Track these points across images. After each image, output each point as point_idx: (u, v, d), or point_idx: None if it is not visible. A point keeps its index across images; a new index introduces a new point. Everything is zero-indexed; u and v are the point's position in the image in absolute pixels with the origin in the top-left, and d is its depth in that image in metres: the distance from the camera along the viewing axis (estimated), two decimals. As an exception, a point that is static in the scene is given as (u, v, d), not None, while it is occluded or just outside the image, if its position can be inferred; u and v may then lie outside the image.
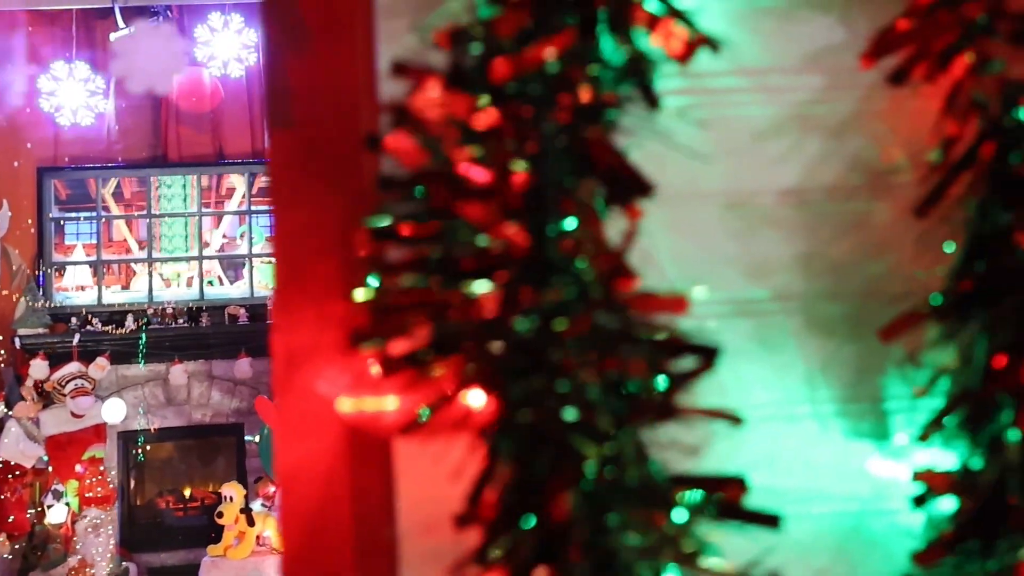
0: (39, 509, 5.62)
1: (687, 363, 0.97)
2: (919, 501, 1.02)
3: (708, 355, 0.95)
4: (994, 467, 0.97)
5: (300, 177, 1.12)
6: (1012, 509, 0.93)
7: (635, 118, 1.11)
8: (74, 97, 6.01)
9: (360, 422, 0.99)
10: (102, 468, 5.65)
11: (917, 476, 1.03)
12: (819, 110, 1.16)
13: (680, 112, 1.14)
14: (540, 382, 0.91)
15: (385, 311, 0.93)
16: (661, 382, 0.94)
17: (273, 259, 1.10)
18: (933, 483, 1.01)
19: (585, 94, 0.99)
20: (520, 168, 0.97)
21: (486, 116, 0.97)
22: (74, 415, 5.80)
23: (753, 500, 1.10)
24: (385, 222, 0.97)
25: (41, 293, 6.02)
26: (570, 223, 0.98)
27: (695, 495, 0.92)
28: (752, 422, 1.13)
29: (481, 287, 0.94)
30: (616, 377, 0.93)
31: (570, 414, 0.90)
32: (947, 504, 1.01)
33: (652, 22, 0.99)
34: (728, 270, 1.14)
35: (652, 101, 1.07)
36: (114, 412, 5.81)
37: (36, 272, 6.09)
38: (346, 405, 0.98)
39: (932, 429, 1.01)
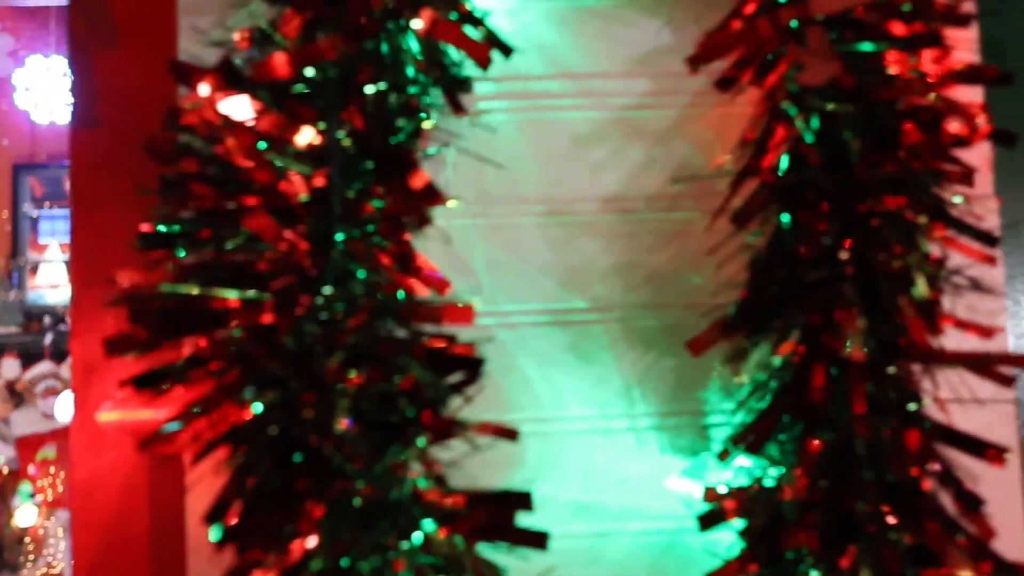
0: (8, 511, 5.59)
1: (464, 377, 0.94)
2: (706, 521, 0.98)
3: (473, 368, 0.92)
4: (780, 485, 0.93)
5: (103, 178, 1.09)
6: (789, 527, 0.90)
7: (455, 123, 1.08)
8: (51, 93, 5.98)
9: (131, 433, 0.96)
10: (52, 470, 5.61)
11: (707, 495, 0.99)
12: (644, 116, 1.12)
13: (499, 117, 1.10)
14: (300, 393, 0.87)
15: (147, 318, 0.90)
16: (429, 396, 0.90)
17: (70, 261, 1.07)
18: (722, 502, 0.97)
19: (378, 98, 0.96)
20: (302, 173, 0.93)
21: (267, 118, 0.94)
22: (46, 416, 5.78)
23: (562, 516, 1.07)
24: (159, 227, 0.94)
25: (14, 291, 5.99)
26: (355, 231, 0.95)
27: (450, 512, 0.88)
28: (567, 436, 1.10)
29: (250, 294, 0.90)
30: (386, 390, 0.90)
31: (327, 428, 0.86)
32: (737, 523, 0.97)
33: (437, 25, 0.95)
34: (545, 279, 1.10)
35: (456, 107, 1.04)
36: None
37: (10, 270, 6.06)
38: (107, 416, 0.95)
39: (732, 445, 0.97)
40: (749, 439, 0.93)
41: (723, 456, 0.97)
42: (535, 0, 1.11)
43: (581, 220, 1.11)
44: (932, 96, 0.95)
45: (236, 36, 0.99)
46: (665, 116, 1.11)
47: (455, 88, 1.06)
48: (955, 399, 0.99)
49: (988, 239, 0.96)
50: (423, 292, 1.01)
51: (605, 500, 1.09)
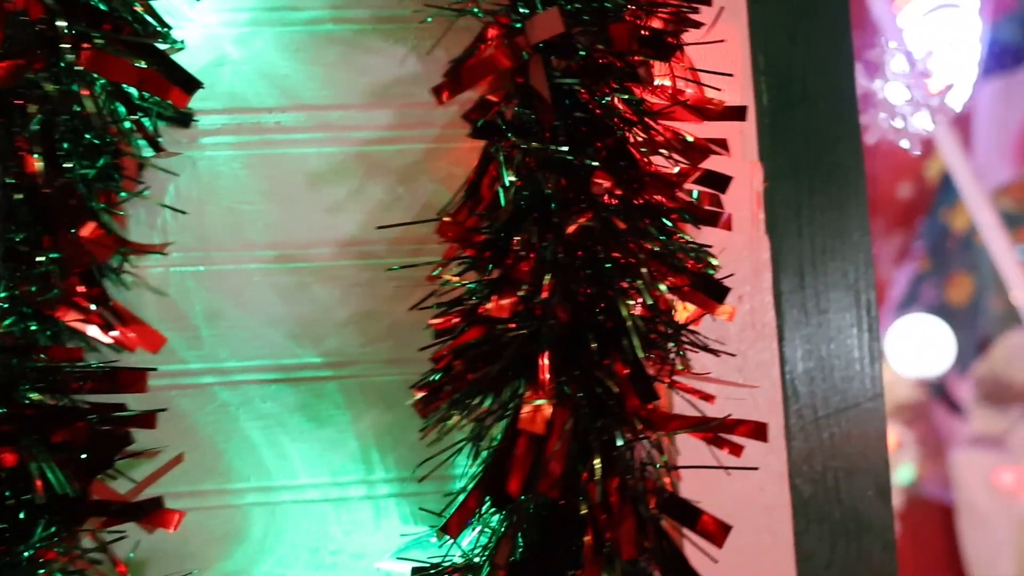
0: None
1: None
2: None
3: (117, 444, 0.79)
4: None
5: None
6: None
7: (175, 161, 0.96)
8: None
9: None
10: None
11: (415, 572, 0.86)
12: (386, 151, 0.99)
13: (225, 153, 0.98)
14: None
15: None
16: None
17: None
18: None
19: (44, 135, 0.83)
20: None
21: None
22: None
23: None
24: None
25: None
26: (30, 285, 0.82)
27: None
28: (297, 506, 0.97)
29: None
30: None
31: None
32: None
33: (98, 60, 0.82)
34: (273, 332, 0.97)
35: (155, 145, 0.91)
36: None
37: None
38: None
39: (433, 530, 0.85)
40: (448, 523, 0.81)
41: (438, 535, 0.85)
42: (266, 25, 0.98)
43: (315, 266, 0.98)
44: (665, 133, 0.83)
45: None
46: (410, 151, 0.99)
47: (169, 122, 0.94)
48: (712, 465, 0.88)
49: (714, 290, 0.83)
50: (131, 348, 0.88)
51: (339, 577, 0.96)
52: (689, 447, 0.92)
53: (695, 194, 0.90)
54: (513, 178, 0.82)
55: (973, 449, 2.90)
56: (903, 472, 3.34)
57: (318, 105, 0.99)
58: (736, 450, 0.82)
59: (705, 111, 0.85)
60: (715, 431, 0.81)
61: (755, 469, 0.91)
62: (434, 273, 0.87)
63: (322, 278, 0.97)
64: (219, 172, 0.97)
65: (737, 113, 0.86)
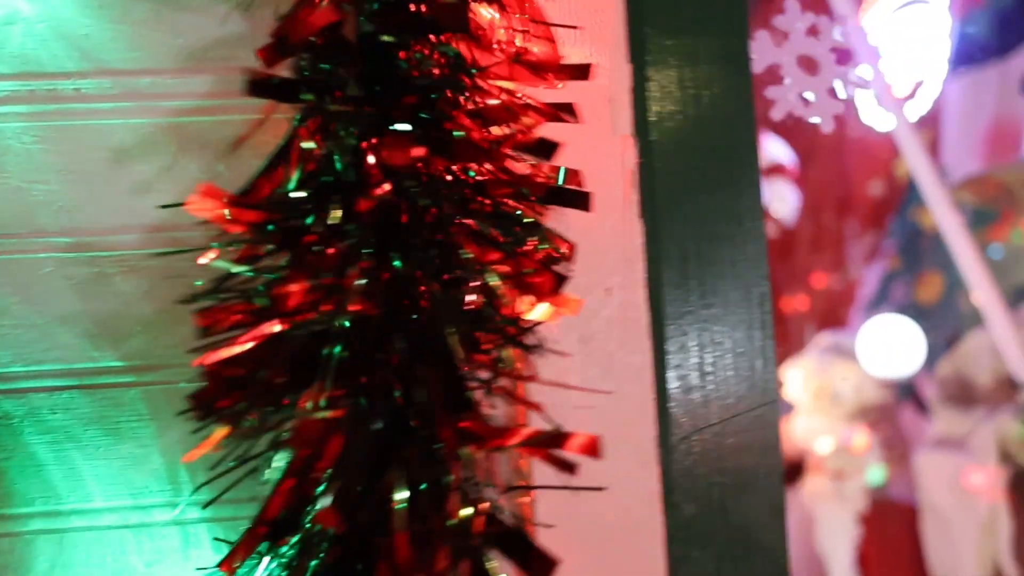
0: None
1: None
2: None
3: None
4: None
5: None
6: None
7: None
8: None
9: None
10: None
11: None
12: (204, 122, 0.84)
13: (13, 125, 0.83)
14: None
15: None
16: None
17: None
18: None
19: None
20: None
21: None
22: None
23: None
24: None
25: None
26: None
27: None
28: (91, 534, 0.82)
29: None
30: None
31: None
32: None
33: None
34: (66, 332, 0.82)
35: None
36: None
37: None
38: None
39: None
40: (225, 558, 0.66)
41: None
42: (64, -22, 0.84)
43: (117, 255, 0.83)
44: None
45: None
46: (232, 123, 0.84)
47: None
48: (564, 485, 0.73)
49: (552, 279, 0.68)
50: None
51: (143, 614, 0.81)
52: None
53: (563, 171, 0.76)
54: (311, 145, 0.67)
55: (937, 451, 2.77)
56: (873, 473, 3.23)
57: (125, 70, 0.84)
58: (569, 468, 0.67)
59: (539, 69, 0.70)
60: (541, 446, 0.66)
61: (601, 489, 0.77)
62: (208, 260, 0.71)
63: (125, 269, 0.83)
64: (7, 146, 0.82)
65: (579, 72, 0.71)
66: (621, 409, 0.82)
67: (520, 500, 0.79)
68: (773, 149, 4.38)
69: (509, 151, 0.71)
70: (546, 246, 0.72)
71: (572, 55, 0.80)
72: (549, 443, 0.65)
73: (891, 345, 3.25)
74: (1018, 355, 2.34)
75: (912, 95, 3.57)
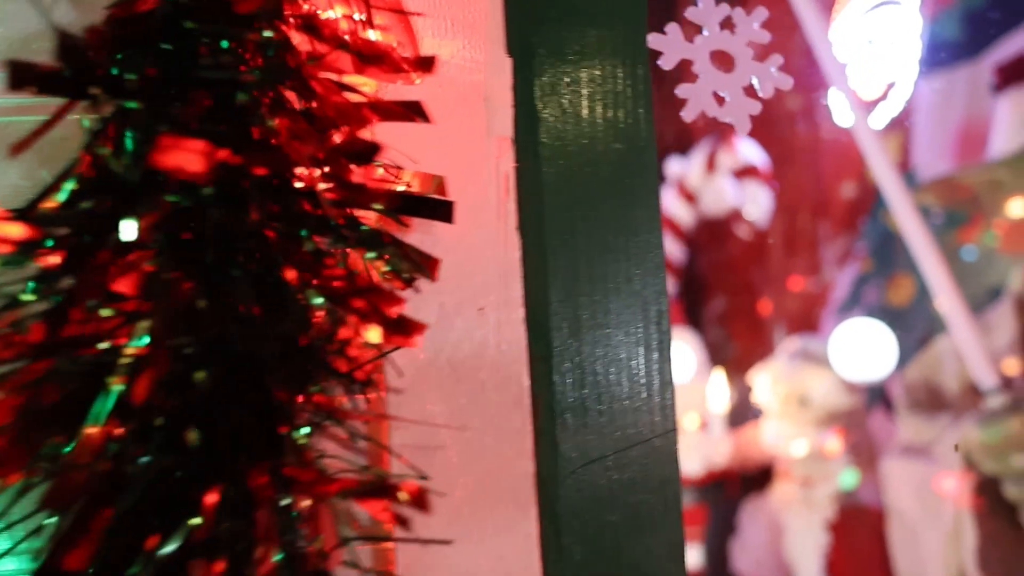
0: None
1: None
2: None
3: None
4: None
5: None
6: None
7: None
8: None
9: None
10: None
11: None
12: (27, 122, 0.74)
13: None
14: None
15: None
16: None
17: None
18: None
19: None
20: None
21: None
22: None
23: None
24: None
25: None
26: None
27: None
28: None
29: None
30: None
31: None
32: None
33: None
34: None
35: None
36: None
37: None
38: None
39: None
40: None
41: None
42: None
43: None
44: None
45: None
46: (63, 123, 0.74)
47: None
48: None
49: (386, 299, 0.59)
50: None
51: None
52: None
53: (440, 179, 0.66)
54: (105, 150, 0.58)
55: (903, 457, 2.69)
56: (846, 477, 3.17)
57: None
58: (403, 522, 0.58)
59: (376, 62, 0.60)
60: (364, 497, 0.56)
61: (448, 543, 0.67)
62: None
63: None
64: None
65: (424, 65, 0.62)
66: (495, 444, 0.72)
67: (382, 547, 0.69)
68: (746, 151, 4.30)
69: (347, 155, 0.61)
70: (400, 263, 0.63)
71: (441, 48, 0.71)
72: (373, 493, 0.56)
73: (862, 349, 3.18)
74: (981, 361, 2.26)
75: (884, 96, 3.49)
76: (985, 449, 2.15)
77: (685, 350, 3.62)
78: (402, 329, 0.60)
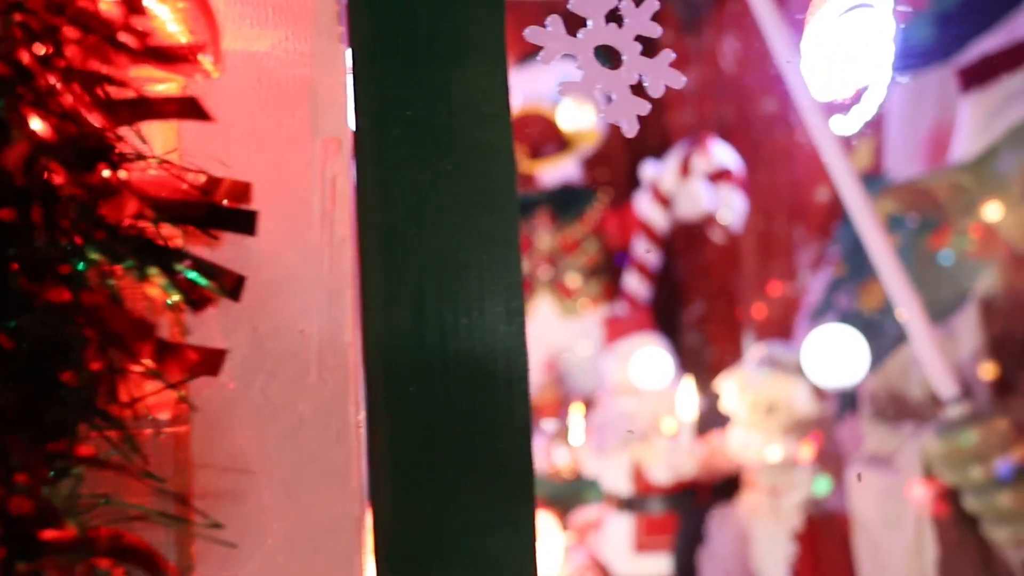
0: None
1: None
2: None
3: None
4: None
5: None
6: None
7: None
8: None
9: None
10: None
11: None
12: None
13: None
14: None
15: None
16: None
17: None
18: None
19: None
20: None
21: None
22: None
23: None
24: None
25: None
26: None
27: None
28: None
29: None
30: None
31: None
32: None
33: None
34: None
35: None
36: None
37: None
38: None
39: None
40: None
41: None
42: None
43: None
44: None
45: None
46: None
47: None
48: None
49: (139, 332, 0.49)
50: None
51: None
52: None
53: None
54: None
55: (867, 467, 2.60)
56: (819, 484, 3.09)
57: None
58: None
59: (144, 52, 0.51)
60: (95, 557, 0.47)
61: None
62: None
63: None
64: None
65: (173, 57, 0.52)
66: (314, 485, 0.63)
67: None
68: (720, 154, 4.22)
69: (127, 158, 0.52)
70: (203, 281, 0.54)
71: (260, 39, 0.62)
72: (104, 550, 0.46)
73: (834, 355, 3.10)
74: (941, 370, 2.17)
75: (857, 100, 3.42)
76: (943, 460, 2.06)
77: (661, 355, 3.54)
78: (180, 357, 0.51)
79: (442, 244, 0.68)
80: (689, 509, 3.40)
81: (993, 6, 3.14)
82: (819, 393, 3.00)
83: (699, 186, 4.03)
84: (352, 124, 0.66)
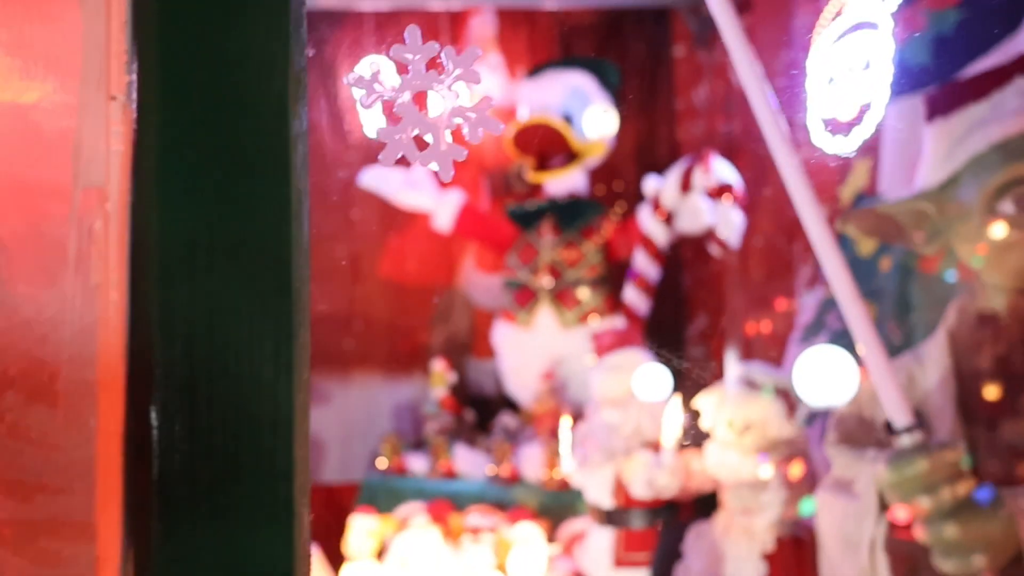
0: None
1: None
2: None
3: None
4: None
5: None
6: None
7: None
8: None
9: None
10: None
11: None
12: None
13: None
14: None
15: None
16: None
17: None
18: None
19: None
20: None
21: None
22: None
23: None
24: None
25: None
26: None
27: None
28: None
29: None
30: None
31: None
32: None
33: None
34: None
35: None
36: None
37: None
38: None
39: None
40: None
41: None
42: None
43: None
44: None
45: None
46: None
47: None
48: None
49: None
50: None
51: None
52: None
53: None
54: None
55: (830, 492, 2.56)
56: (805, 505, 3.05)
57: None
58: None
59: None
60: None
61: None
62: None
63: None
64: None
65: None
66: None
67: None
68: (721, 169, 4.18)
69: None
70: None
71: (29, 91, 0.62)
72: None
73: (821, 376, 3.05)
74: (896, 400, 2.13)
75: (859, 120, 3.37)
76: (893, 488, 2.02)
77: (659, 370, 3.51)
78: None
79: (214, 291, 0.68)
80: (669, 525, 3.37)
81: (990, 29, 3.08)
82: (793, 414, 2.95)
83: (699, 201, 3.99)
84: (128, 174, 0.66)
